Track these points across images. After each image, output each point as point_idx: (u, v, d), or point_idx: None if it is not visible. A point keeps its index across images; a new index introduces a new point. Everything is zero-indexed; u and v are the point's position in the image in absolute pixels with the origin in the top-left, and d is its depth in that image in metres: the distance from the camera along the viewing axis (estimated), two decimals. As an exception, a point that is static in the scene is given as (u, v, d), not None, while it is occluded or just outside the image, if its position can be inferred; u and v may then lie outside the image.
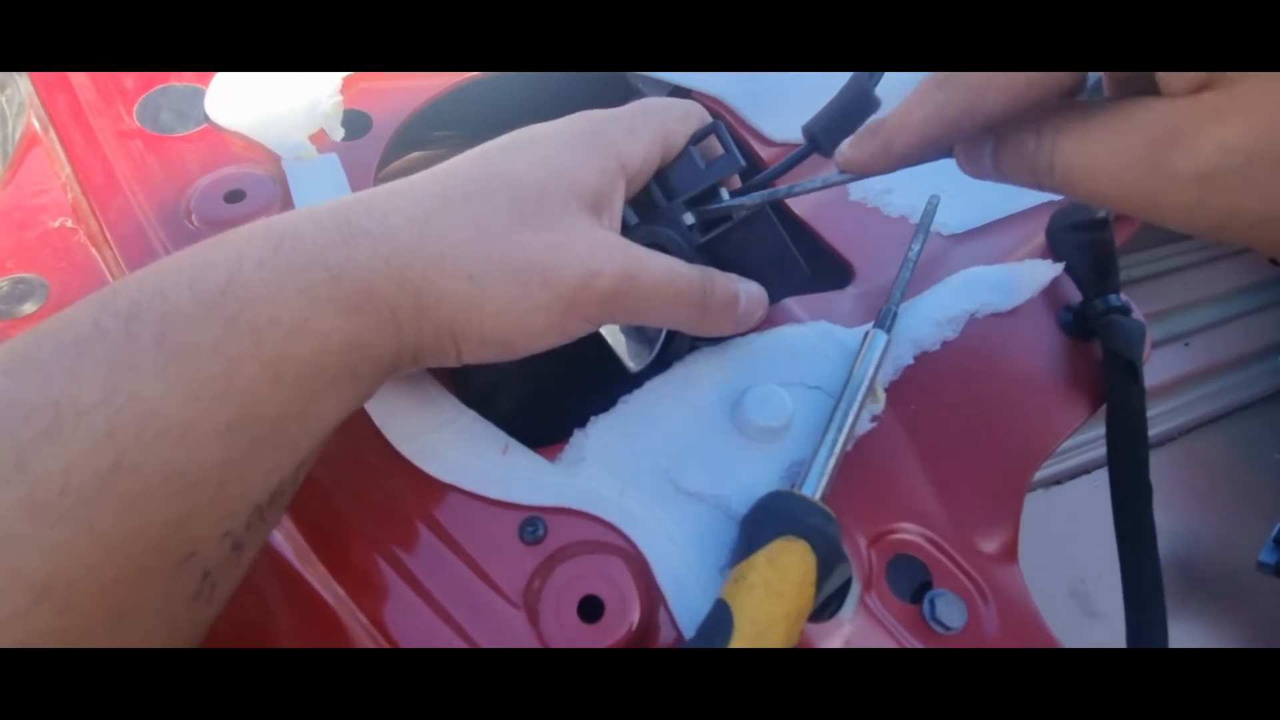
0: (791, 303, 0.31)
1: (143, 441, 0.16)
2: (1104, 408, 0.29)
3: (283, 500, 0.21)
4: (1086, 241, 0.30)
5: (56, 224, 0.30)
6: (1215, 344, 0.57)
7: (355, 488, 0.24)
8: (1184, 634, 0.47)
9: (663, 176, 0.25)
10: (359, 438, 0.25)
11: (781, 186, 0.25)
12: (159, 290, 0.18)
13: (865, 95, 0.20)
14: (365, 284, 0.19)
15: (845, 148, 0.22)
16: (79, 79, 0.34)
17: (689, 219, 0.25)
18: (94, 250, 0.29)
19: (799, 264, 0.26)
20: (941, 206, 0.32)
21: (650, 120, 0.24)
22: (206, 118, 0.33)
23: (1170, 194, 0.16)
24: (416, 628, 0.22)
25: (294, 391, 0.19)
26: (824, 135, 0.22)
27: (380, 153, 0.34)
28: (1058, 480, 0.49)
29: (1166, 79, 0.16)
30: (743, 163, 0.25)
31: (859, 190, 0.37)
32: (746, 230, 0.25)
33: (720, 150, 0.25)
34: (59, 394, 0.16)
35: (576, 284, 0.21)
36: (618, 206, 0.24)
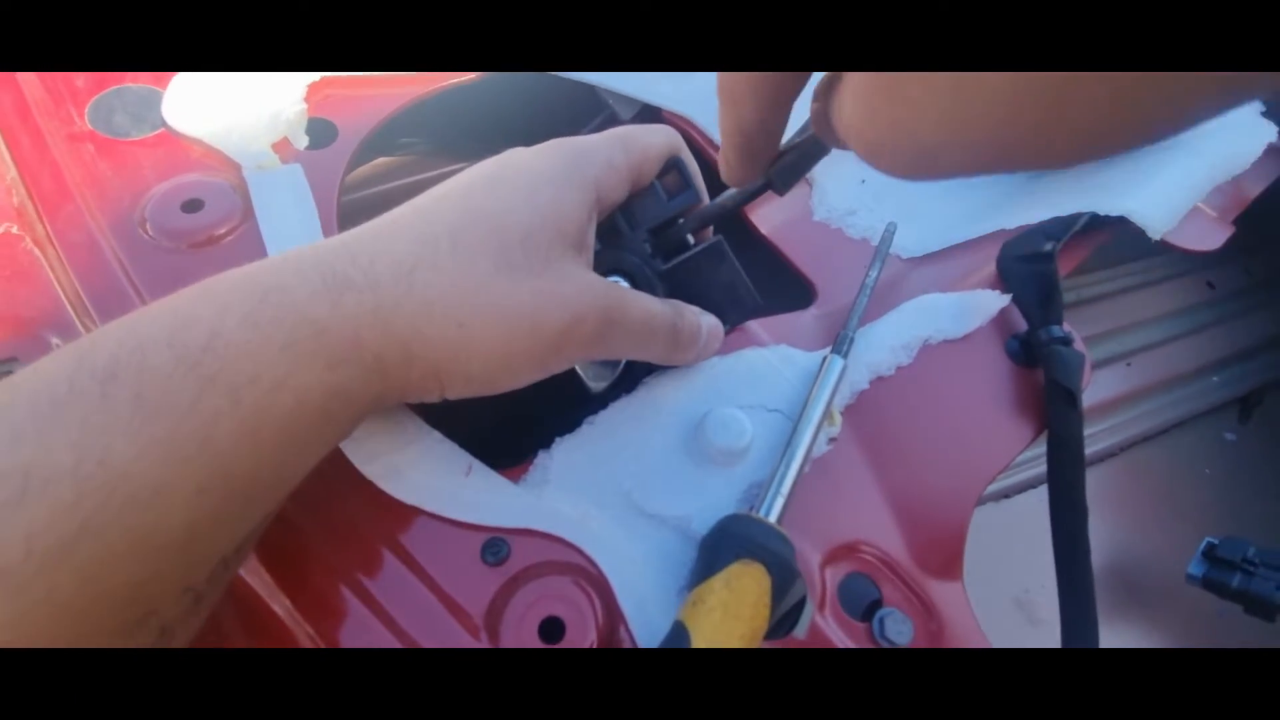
0: (755, 324, 0.31)
1: (109, 507, 0.16)
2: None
3: (249, 547, 0.20)
4: (1032, 272, 0.32)
5: (0, 230, 0.29)
6: (1155, 364, 0.60)
7: (316, 510, 0.24)
8: (1118, 640, 0.49)
9: (627, 206, 0.26)
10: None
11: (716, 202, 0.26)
12: (138, 346, 0.17)
13: (816, 141, 0.22)
14: (351, 336, 0.19)
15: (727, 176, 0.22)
16: (26, 75, 0.33)
17: (648, 247, 0.26)
18: (41, 258, 0.28)
19: (752, 294, 0.27)
20: (900, 230, 0.33)
21: (630, 155, 0.25)
22: (163, 122, 0.32)
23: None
24: (375, 651, 0.22)
25: (270, 448, 0.18)
26: (778, 177, 0.23)
27: (345, 162, 0.33)
28: (1006, 494, 0.51)
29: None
30: (702, 198, 0.26)
31: (823, 211, 0.38)
32: (703, 260, 0.27)
33: (683, 182, 0.26)
34: (28, 460, 0.16)
35: (562, 329, 0.21)
36: (591, 237, 0.24)
